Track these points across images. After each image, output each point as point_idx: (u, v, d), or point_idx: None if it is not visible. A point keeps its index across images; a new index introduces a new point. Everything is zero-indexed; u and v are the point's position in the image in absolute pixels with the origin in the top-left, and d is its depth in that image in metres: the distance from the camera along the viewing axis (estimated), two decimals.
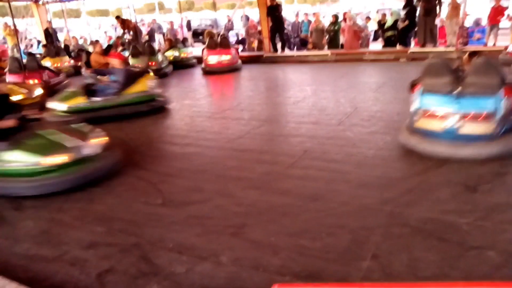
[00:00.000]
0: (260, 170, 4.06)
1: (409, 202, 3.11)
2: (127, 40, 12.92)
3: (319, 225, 2.94)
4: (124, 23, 13.36)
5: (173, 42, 12.47)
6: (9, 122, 3.87)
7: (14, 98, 5.90)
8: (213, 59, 10.70)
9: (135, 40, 12.36)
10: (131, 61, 10.15)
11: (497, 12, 10.41)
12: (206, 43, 11.31)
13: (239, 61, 11.20)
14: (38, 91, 7.57)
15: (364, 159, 4.14)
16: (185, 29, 16.43)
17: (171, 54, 11.92)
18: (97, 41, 12.78)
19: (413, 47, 11.27)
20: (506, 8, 10.83)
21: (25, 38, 19.02)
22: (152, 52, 10.86)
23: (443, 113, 3.86)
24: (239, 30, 17.28)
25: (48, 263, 2.73)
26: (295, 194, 3.49)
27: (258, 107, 7.10)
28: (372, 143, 4.61)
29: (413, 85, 4.31)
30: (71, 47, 13.51)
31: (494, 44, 10.44)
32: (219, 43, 10.99)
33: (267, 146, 4.99)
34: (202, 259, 2.62)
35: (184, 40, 13.43)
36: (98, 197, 3.73)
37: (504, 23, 11.01)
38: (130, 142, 5.32)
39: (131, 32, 12.92)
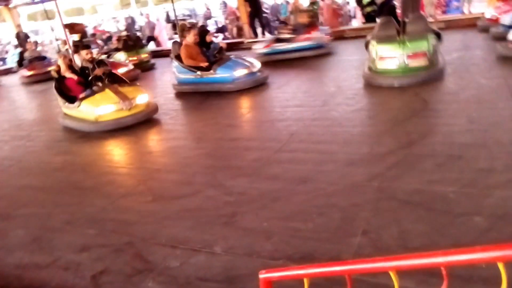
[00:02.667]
0: (248, 158, 4.06)
1: (396, 176, 3.15)
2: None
3: (310, 207, 2.97)
4: (73, 28, 13.42)
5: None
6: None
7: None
8: None
9: (81, 43, 12.57)
10: (124, 55, 10.66)
11: None
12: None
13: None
14: None
15: (350, 137, 4.17)
16: (163, 21, 16.12)
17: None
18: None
19: None
20: None
21: None
22: (141, 46, 11.08)
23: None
24: (218, 18, 17.06)
25: (42, 270, 2.72)
26: (285, 178, 3.50)
27: (242, 95, 7.06)
28: (357, 121, 4.63)
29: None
30: (26, 54, 12.67)
31: (470, 12, 10.46)
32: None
33: (254, 133, 4.99)
34: (196, 251, 2.64)
35: (140, 39, 13.19)
36: (87, 199, 3.70)
37: None
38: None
39: (77, 36, 13.02)
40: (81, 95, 5.90)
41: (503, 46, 6.11)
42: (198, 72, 7.03)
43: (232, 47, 11.97)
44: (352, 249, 2.41)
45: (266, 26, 13.25)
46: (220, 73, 6.86)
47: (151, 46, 14.60)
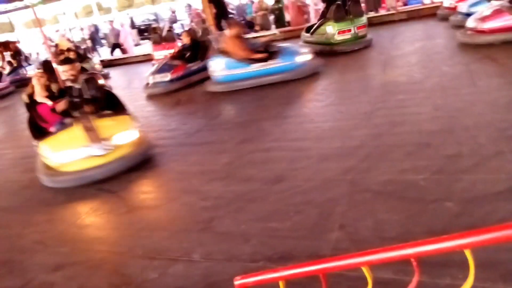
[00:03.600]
0: (222, 161, 4.03)
1: (369, 168, 3.20)
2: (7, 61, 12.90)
3: (286, 205, 2.97)
4: (6, 46, 13.30)
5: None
6: None
7: None
8: (159, 54, 10.41)
9: (16, 59, 12.60)
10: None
11: None
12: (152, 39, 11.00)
13: None
14: None
15: (322, 133, 4.20)
16: (128, 27, 15.81)
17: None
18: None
19: None
20: None
21: None
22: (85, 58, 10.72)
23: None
24: (184, 20, 16.89)
25: None
26: (260, 178, 3.49)
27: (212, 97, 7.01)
28: (328, 116, 4.68)
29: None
30: None
31: (432, 1, 10.78)
32: (163, 37, 10.72)
33: (227, 135, 4.95)
34: (174, 261, 2.59)
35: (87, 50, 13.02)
36: (57, 216, 3.58)
37: None
38: None
39: (10, 53, 12.95)
40: (52, 129, 4.47)
41: (462, 33, 6.33)
42: (254, 65, 6.52)
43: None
44: (330, 244, 2.42)
45: None
46: (281, 62, 6.44)
47: (117, 53, 14.31)
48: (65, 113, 4.44)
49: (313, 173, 3.35)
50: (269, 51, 6.59)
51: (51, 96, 4.80)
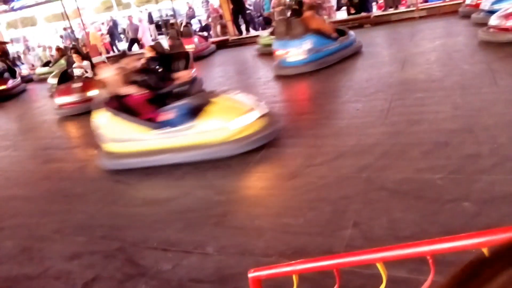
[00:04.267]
0: (238, 156, 4.03)
1: (384, 166, 3.16)
2: None
3: (301, 202, 2.96)
4: None
5: (64, 51, 11.83)
6: None
7: None
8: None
9: (3, 59, 12.48)
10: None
11: None
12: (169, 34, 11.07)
13: (210, 47, 11.23)
14: None
15: (339, 130, 4.17)
16: (146, 22, 15.96)
17: (63, 63, 10.42)
18: None
19: (376, 11, 11.29)
20: None
21: None
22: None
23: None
24: (201, 16, 16.94)
25: (32, 281, 2.68)
26: (275, 174, 3.50)
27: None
28: (345, 113, 4.64)
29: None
30: None
31: None
32: (181, 32, 10.77)
33: None
34: (188, 253, 2.62)
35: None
36: (76, 206, 3.65)
37: None
38: None
39: None
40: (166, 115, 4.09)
41: (484, 31, 6.17)
42: (338, 41, 7.05)
43: (217, 45, 11.92)
44: (344, 241, 2.41)
45: (250, 22, 13.21)
46: (347, 38, 7.21)
47: (135, 48, 14.46)
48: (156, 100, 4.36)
49: (328, 170, 3.33)
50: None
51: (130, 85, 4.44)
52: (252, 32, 12.69)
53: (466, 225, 2.30)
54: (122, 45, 16.72)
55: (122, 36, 18.18)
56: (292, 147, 3.99)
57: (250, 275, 1.25)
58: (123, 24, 18.24)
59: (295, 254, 2.38)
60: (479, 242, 0.90)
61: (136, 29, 14.41)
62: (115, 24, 17.90)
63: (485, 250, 0.90)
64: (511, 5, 6.21)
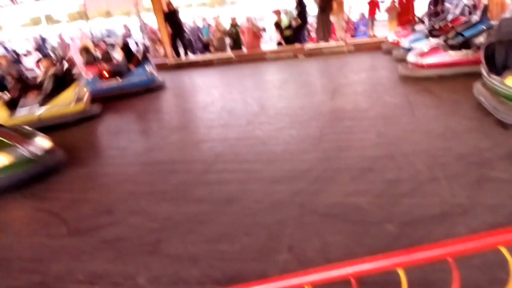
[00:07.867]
0: (173, 181, 3.97)
1: (317, 191, 3.31)
2: None
3: (236, 227, 2.97)
4: None
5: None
6: None
7: None
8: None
9: None
10: None
11: (373, 6, 11.60)
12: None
13: None
14: None
15: (273, 156, 4.29)
16: (78, 41, 15.26)
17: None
18: None
19: (309, 43, 11.96)
20: (381, 1, 12.05)
21: None
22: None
23: None
24: (137, 38, 16.62)
25: None
26: (211, 200, 3.47)
27: (166, 116, 6.94)
28: (280, 139, 4.79)
29: None
30: None
31: (375, 36, 11.58)
32: (97, 58, 10.17)
33: (179, 155, 4.90)
34: (118, 285, 2.48)
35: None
36: None
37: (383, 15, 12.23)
38: None
39: None
40: None
41: (404, 66, 6.84)
42: None
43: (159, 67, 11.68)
44: (279, 266, 2.45)
45: (189, 46, 13.25)
46: None
47: None
48: None
49: (263, 195, 3.39)
50: None
51: None
52: (191, 56, 12.73)
53: (390, 246, 2.47)
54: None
55: (51, 54, 17.20)
56: (227, 172, 4.01)
57: None
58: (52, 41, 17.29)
59: (230, 281, 2.36)
60: (395, 262, 0.99)
61: (66, 48, 13.74)
62: (43, 41, 16.92)
63: (400, 271, 0.99)
64: (426, 44, 6.98)
